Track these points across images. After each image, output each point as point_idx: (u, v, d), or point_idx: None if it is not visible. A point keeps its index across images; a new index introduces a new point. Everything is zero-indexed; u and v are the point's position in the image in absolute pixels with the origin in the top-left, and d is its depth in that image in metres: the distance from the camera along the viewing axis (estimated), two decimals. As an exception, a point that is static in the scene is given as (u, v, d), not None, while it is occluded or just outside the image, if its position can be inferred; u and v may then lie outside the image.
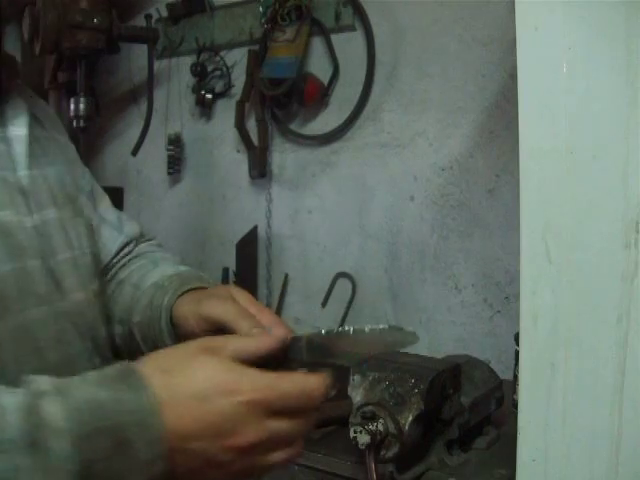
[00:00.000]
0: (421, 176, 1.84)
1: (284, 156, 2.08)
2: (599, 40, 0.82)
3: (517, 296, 0.87)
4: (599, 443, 0.83)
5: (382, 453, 1.02)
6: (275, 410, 0.62)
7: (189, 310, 0.83)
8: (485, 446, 1.19)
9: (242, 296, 0.82)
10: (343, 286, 1.97)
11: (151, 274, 0.96)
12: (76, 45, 1.87)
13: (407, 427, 1.02)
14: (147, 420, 0.58)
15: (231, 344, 0.67)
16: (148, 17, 2.09)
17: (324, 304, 2.00)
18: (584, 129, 0.82)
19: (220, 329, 0.78)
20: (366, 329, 0.69)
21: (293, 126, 2.04)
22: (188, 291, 0.88)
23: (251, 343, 0.69)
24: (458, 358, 1.26)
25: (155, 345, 0.87)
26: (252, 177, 2.09)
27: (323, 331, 0.70)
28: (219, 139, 2.20)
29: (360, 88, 1.89)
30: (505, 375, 1.35)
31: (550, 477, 0.86)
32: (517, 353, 1.00)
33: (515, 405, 1.14)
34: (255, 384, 0.62)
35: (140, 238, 1.06)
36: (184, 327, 0.84)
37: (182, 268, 0.98)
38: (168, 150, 2.24)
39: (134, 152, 2.10)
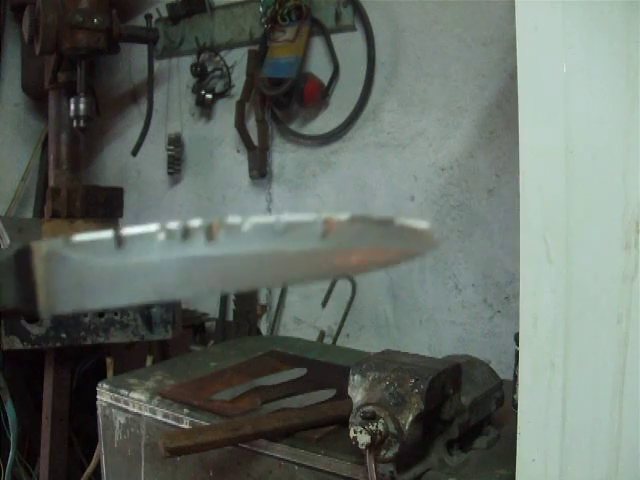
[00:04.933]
0: (421, 176, 1.84)
1: (284, 156, 2.08)
2: (599, 40, 0.82)
3: (517, 296, 0.87)
4: (599, 443, 0.83)
5: (382, 453, 1.02)
6: None
7: None
8: (485, 446, 1.19)
9: None
10: (343, 286, 1.97)
11: None
12: (76, 45, 1.87)
13: (407, 427, 1.02)
14: None
15: None
16: (148, 17, 2.09)
17: (324, 304, 2.00)
18: (584, 129, 0.82)
19: None
20: None
21: (293, 126, 2.04)
22: None
23: None
24: (458, 358, 1.25)
25: None
26: (252, 177, 2.09)
27: None
28: (219, 139, 2.20)
29: (360, 88, 1.89)
30: (505, 375, 1.35)
31: (550, 477, 0.86)
32: (517, 353, 1.00)
33: (515, 405, 1.14)
34: None
35: None
36: None
37: None
38: (168, 150, 2.24)
39: (134, 152, 2.10)
